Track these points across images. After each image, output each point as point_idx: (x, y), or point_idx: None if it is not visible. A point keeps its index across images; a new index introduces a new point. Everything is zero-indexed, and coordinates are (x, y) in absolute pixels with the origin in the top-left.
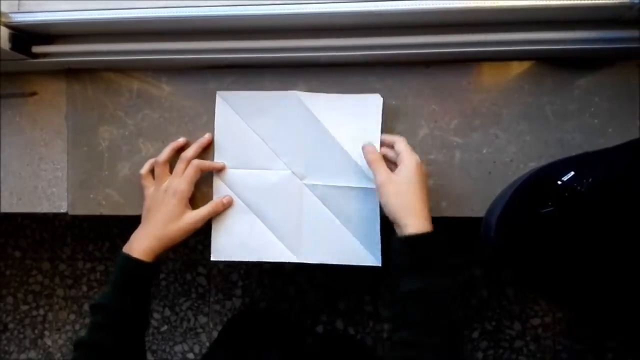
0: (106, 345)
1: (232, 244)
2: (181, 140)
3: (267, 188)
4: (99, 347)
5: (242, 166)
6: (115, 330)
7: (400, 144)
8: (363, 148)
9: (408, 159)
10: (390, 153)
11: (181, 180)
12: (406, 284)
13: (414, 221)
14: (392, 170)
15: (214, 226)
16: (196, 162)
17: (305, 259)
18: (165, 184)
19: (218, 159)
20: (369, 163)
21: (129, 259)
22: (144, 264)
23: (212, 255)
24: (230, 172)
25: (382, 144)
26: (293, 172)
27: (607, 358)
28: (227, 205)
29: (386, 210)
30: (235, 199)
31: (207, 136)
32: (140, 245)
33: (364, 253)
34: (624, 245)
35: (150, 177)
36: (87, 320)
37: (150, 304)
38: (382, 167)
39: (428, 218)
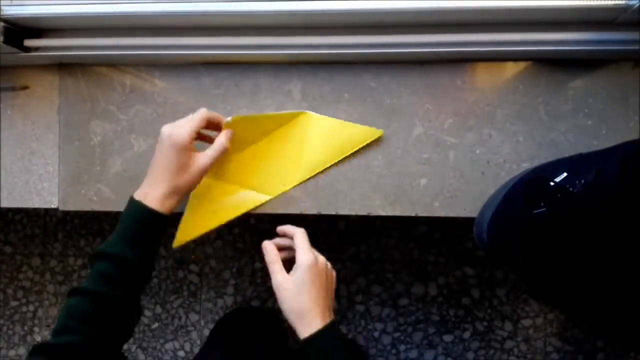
0: (109, 296)
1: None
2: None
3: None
4: (101, 298)
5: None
6: (121, 282)
7: (298, 239)
8: (263, 247)
9: (302, 258)
10: (287, 243)
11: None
12: None
13: (303, 328)
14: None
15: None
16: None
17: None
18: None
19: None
20: (267, 263)
21: (145, 209)
22: (161, 216)
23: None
24: None
25: (283, 234)
26: None
27: (597, 359)
28: (230, 138)
29: (284, 314)
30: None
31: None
32: (157, 194)
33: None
34: (615, 246)
35: None
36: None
37: (156, 257)
38: (278, 269)
39: (319, 315)
